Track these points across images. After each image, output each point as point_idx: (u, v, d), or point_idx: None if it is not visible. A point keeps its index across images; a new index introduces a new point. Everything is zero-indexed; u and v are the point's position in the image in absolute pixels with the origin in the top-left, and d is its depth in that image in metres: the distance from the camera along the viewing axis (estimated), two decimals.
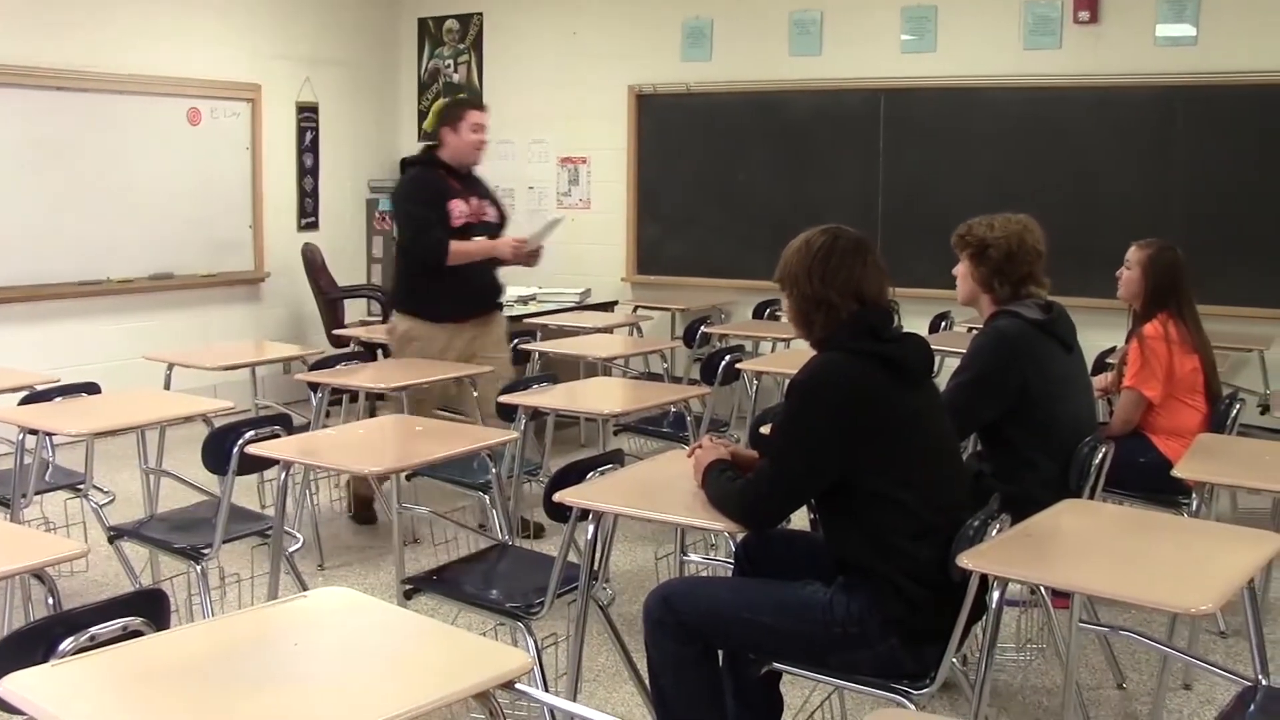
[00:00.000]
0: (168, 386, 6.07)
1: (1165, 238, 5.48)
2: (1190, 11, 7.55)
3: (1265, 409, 6.20)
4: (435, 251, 5.89)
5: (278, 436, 4.32)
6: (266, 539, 4.49)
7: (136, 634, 2.55)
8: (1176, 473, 4.03)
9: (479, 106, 6.31)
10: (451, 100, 6.57)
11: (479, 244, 6.04)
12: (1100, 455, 4.17)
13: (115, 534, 4.50)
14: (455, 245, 5.93)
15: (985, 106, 8.18)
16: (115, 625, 2.55)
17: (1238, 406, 5.24)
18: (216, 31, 8.82)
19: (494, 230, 6.22)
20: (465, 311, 6.14)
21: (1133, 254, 5.37)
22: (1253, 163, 7.46)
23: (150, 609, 2.63)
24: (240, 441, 4.22)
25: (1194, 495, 4.46)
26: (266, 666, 2.28)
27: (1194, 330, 5.20)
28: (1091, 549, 3.27)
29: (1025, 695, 4.40)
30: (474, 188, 6.22)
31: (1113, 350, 6.62)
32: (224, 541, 4.32)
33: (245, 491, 5.20)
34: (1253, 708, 2.92)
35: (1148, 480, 4.84)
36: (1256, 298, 7.44)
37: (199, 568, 4.25)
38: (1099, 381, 5.69)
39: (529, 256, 6.15)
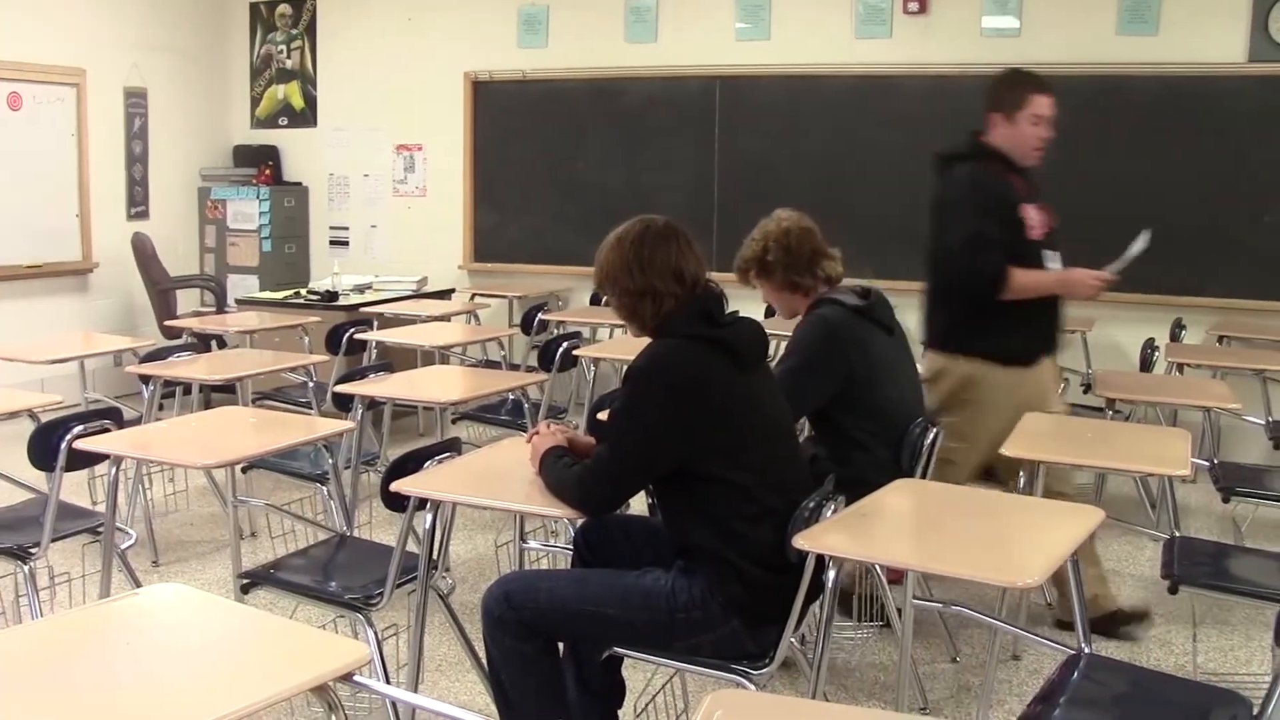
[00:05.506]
0: None
1: None
2: (1013, 5, 7.77)
3: (1088, 388, 6.41)
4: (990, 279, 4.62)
5: (107, 431, 4.23)
6: (98, 536, 4.39)
7: None
8: (1004, 451, 4.13)
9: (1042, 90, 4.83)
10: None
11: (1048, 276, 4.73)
12: (931, 436, 4.27)
13: None
14: (1020, 275, 4.63)
15: (819, 94, 8.31)
16: None
17: (1062, 386, 5.39)
18: (38, 13, 8.53)
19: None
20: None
21: None
22: (1072, 149, 7.67)
23: None
24: (68, 437, 4.12)
25: (1021, 473, 4.58)
26: (97, 668, 2.23)
27: None
28: (924, 527, 3.36)
29: (863, 671, 4.49)
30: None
31: None
32: (53, 540, 4.20)
33: (76, 488, 5.09)
34: (1076, 674, 3.02)
35: None
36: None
37: (26, 568, 4.13)
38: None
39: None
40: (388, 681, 3.59)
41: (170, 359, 5.80)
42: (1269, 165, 7.30)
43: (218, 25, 10.13)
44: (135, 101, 9.35)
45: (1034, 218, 4.73)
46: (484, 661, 3.41)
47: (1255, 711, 2.84)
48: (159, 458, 4.54)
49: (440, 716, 3.84)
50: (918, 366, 4.75)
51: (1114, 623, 4.74)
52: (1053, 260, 4.73)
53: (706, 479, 3.18)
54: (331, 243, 10.08)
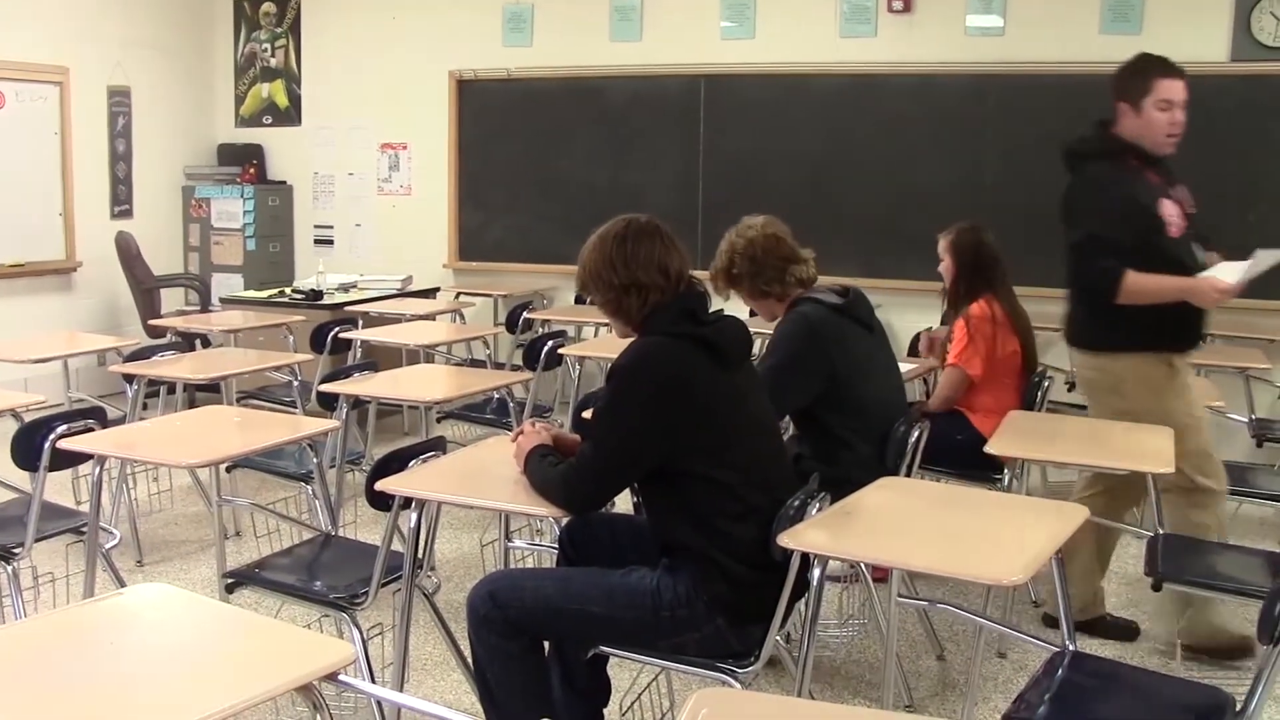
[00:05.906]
0: None
1: (976, 220, 5.63)
2: (997, 4, 7.79)
3: (1072, 386, 6.41)
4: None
5: (91, 430, 4.22)
6: (82, 536, 4.38)
7: None
8: (989, 449, 4.12)
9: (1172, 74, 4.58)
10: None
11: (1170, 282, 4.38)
12: (916, 434, 4.27)
13: None
14: (1136, 280, 4.37)
15: (804, 93, 8.30)
16: None
17: (1047, 384, 5.40)
18: (21, 10, 8.50)
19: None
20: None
21: (940, 243, 5.50)
22: (1056, 148, 7.68)
23: None
24: (52, 436, 4.11)
25: (1006, 471, 4.59)
26: (81, 668, 2.23)
27: (1014, 313, 5.34)
28: (909, 525, 3.35)
29: (848, 669, 4.49)
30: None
31: (928, 331, 6.78)
32: (36, 540, 4.19)
33: (60, 488, 5.07)
34: (1061, 671, 3.05)
35: (963, 457, 4.97)
36: (1062, 279, 7.66)
37: (10, 568, 4.12)
38: (923, 351, 5.83)
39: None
40: (373, 681, 3.58)
41: (154, 358, 5.79)
42: (1252, 164, 7.32)
43: (202, 23, 10.10)
44: (119, 100, 9.32)
45: (1171, 213, 4.46)
46: (469, 660, 3.41)
47: (1238, 708, 2.85)
48: (143, 457, 4.52)
49: (426, 716, 3.84)
50: (899, 365, 4.76)
51: (1097, 628, 4.75)
52: (1201, 255, 4.52)
53: (690, 477, 3.18)
54: (316, 241, 10.06)
